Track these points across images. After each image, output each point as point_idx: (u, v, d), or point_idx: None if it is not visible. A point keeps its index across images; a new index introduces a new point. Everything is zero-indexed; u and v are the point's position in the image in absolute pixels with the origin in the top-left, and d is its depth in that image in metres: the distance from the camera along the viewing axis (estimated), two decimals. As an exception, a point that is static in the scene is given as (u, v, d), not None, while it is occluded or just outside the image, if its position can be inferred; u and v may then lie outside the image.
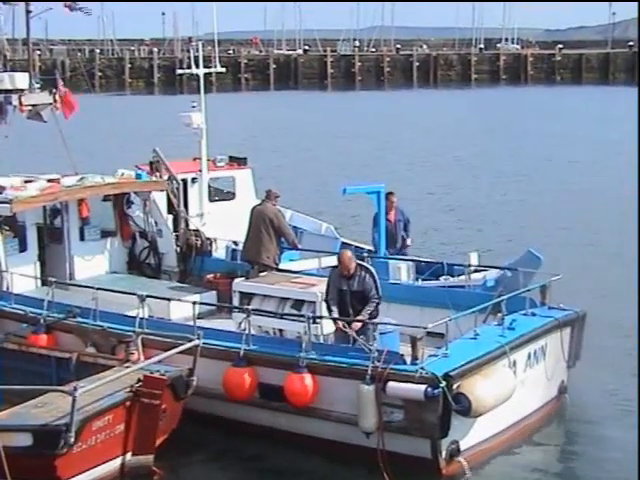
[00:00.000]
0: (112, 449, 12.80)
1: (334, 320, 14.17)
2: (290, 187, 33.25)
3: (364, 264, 14.72)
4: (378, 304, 14.23)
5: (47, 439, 12.04)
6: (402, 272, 17.75)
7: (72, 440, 12.01)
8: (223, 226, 19.95)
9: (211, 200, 20.90)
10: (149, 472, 13.12)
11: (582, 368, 15.90)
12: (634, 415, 14.88)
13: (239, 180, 21.50)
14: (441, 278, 17.66)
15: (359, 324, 13.93)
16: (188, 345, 13.53)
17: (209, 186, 20.97)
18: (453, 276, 17.68)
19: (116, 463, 12.96)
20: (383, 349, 13.14)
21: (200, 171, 20.60)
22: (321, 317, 14.34)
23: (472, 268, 17.29)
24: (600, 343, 18.15)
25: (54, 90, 18.94)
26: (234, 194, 21.52)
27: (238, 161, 21.84)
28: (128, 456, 13.05)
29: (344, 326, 13.96)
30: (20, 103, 18.59)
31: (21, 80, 18.80)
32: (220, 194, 21.50)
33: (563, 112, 75.71)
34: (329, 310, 14.28)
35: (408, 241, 19.71)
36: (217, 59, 22.28)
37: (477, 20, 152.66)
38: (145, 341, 14.08)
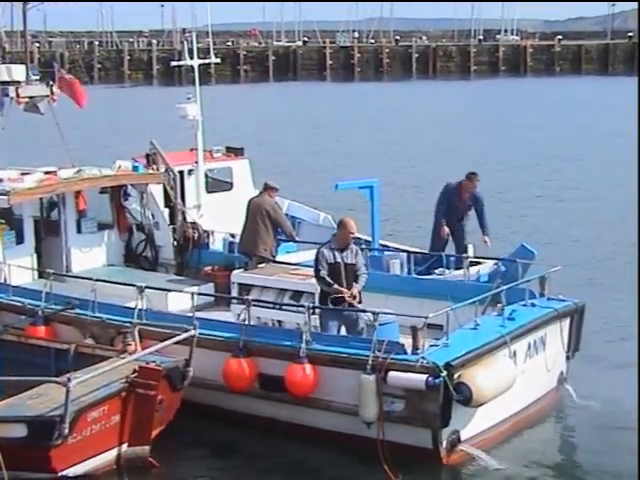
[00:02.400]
0: (107, 440, 12.76)
1: (331, 293, 14.02)
2: (288, 178, 33.21)
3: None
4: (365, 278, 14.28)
5: (41, 430, 12.03)
6: (396, 265, 17.67)
7: (66, 431, 11.98)
8: (221, 217, 19.89)
9: (208, 191, 20.81)
10: (145, 463, 13.08)
11: (581, 359, 15.86)
12: (634, 409, 14.81)
13: (236, 171, 21.40)
14: (437, 270, 17.55)
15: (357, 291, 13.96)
16: (184, 335, 13.47)
17: (206, 177, 20.89)
18: (449, 268, 17.60)
19: (112, 454, 12.93)
20: (384, 339, 13.10)
21: (197, 162, 20.53)
22: (321, 307, 14.28)
23: (468, 260, 17.17)
24: (599, 334, 18.12)
25: (51, 82, 18.87)
26: (231, 185, 21.45)
27: (235, 151, 21.73)
28: (124, 447, 13.01)
29: (351, 296, 13.90)
30: (17, 95, 18.53)
31: (18, 72, 18.72)
32: (217, 185, 21.42)
33: (562, 103, 75.65)
34: (327, 284, 14.09)
35: (487, 240, 18.87)
36: (212, 50, 22.18)
37: (476, 11, 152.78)
38: (143, 332, 14.04)
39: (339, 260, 14.08)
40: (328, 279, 14.05)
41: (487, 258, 17.59)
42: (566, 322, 15.26)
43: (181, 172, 20.13)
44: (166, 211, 19.47)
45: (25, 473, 12.15)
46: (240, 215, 17.57)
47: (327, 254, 14.17)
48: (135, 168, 19.08)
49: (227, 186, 21.41)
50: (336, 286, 13.99)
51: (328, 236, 19.24)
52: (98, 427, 12.53)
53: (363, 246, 17.79)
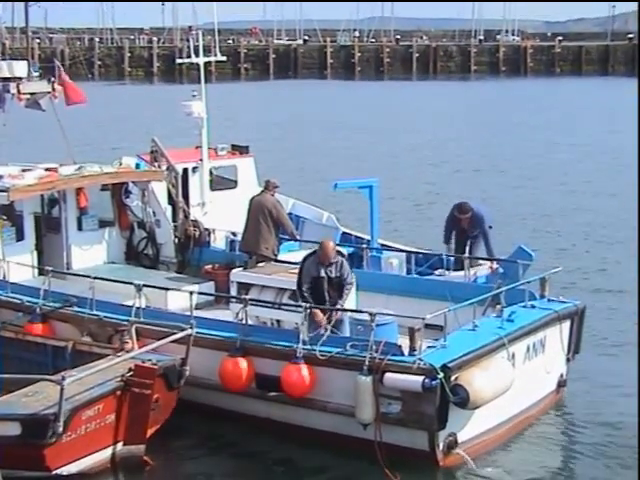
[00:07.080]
0: (102, 439, 12.76)
1: (312, 310, 13.96)
2: (291, 177, 33.16)
3: (338, 249, 14.77)
4: (351, 289, 14.27)
5: (35, 428, 12.02)
6: (394, 265, 17.63)
7: (60, 429, 11.97)
8: (225, 215, 19.82)
9: (213, 189, 20.74)
10: (140, 462, 13.06)
11: (581, 361, 15.83)
12: (633, 411, 14.80)
13: (241, 169, 21.28)
14: (437, 272, 17.49)
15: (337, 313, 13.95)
16: (181, 334, 13.45)
17: (211, 175, 20.80)
18: (449, 269, 17.55)
19: (107, 453, 12.92)
20: (381, 340, 13.07)
21: (201, 160, 20.46)
22: (318, 307, 14.25)
23: (467, 262, 17.11)
24: (599, 336, 18.10)
25: (52, 78, 18.85)
26: (236, 183, 21.37)
27: (240, 149, 21.64)
28: (119, 446, 13.00)
29: (328, 319, 13.90)
30: (18, 91, 18.52)
31: (19, 68, 18.70)
32: (222, 183, 21.34)
33: (563, 104, 75.67)
34: (304, 299, 14.14)
35: (493, 266, 17.27)
36: (217, 47, 22.08)
37: (477, 12, 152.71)
38: (140, 331, 14.03)
39: (323, 274, 14.11)
40: (307, 296, 14.12)
41: (486, 259, 17.56)
42: (566, 324, 15.22)
43: (185, 170, 20.07)
44: (170, 209, 19.42)
45: (19, 471, 12.12)
46: (245, 214, 17.50)
47: (311, 268, 14.19)
48: (137, 166, 19.05)
49: (232, 184, 21.31)
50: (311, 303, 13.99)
51: (331, 236, 19.35)
52: (93, 426, 12.51)
53: (364, 245, 17.84)
